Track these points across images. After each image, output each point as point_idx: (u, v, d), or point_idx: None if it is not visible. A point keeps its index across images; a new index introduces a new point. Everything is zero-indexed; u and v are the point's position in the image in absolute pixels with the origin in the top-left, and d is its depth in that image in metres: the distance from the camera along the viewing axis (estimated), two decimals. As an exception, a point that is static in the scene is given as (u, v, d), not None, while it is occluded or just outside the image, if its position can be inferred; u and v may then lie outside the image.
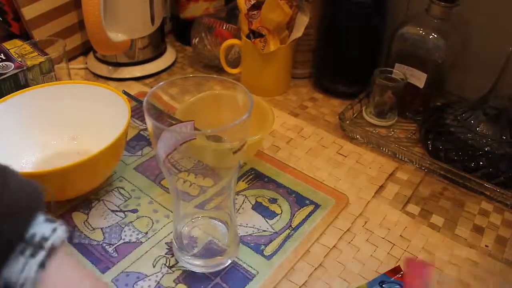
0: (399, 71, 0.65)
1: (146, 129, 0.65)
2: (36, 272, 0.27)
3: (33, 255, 0.27)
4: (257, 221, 0.52)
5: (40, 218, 0.29)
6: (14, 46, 0.68)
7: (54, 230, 0.29)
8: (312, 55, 0.77)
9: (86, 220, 0.51)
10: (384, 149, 0.63)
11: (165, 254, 0.48)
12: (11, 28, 0.76)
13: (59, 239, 0.29)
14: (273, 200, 0.55)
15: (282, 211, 0.53)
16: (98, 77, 0.78)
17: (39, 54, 0.65)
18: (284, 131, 0.66)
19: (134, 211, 0.53)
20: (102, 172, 0.52)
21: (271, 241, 0.50)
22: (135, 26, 0.75)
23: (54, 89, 0.57)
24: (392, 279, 0.45)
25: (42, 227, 0.28)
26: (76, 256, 0.31)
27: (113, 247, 0.48)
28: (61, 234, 0.29)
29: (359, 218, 0.53)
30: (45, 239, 0.28)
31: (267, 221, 0.52)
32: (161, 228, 0.51)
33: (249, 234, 0.50)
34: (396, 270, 0.46)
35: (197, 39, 0.77)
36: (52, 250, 0.28)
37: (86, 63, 0.80)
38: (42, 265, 0.27)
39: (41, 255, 0.27)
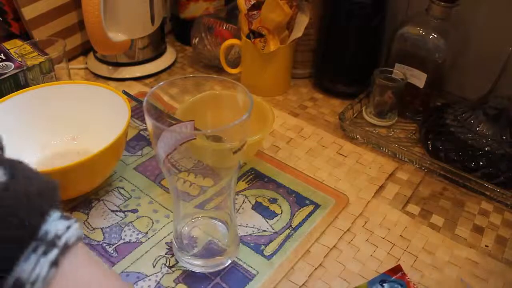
0: (399, 71, 0.65)
1: (146, 129, 0.65)
2: (48, 270, 0.26)
3: (45, 253, 0.27)
4: (257, 221, 0.52)
5: (55, 215, 0.28)
6: (14, 46, 0.69)
7: (68, 227, 0.28)
8: (312, 55, 0.77)
9: (86, 220, 0.51)
10: (384, 149, 0.63)
11: (165, 254, 0.48)
12: (11, 28, 0.76)
13: (74, 237, 0.28)
14: (273, 200, 0.55)
15: (282, 211, 0.53)
16: (98, 77, 0.78)
17: (39, 54, 0.65)
18: (284, 131, 0.66)
19: (134, 211, 0.53)
20: (102, 172, 0.52)
21: (271, 241, 0.50)
22: (135, 26, 0.75)
23: (54, 89, 0.57)
24: (393, 278, 0.45)
25: (56, 224, 0.28)
26: (94, 255, 0.30)
27: (113, 247, 0.48)
28: (75, 232, 0.28)
29: (359, 218, 0.53)
30: (58, 237, 0.27)
31: (267, 221, 0.52)
32: (161, 228, 0.51)
33: (249, 234, 0.50)
34: (396, 269, 0.46)
35: (197, 39, 0.77)
36: (65, 248, 0.28)
37: (86, 63, 0.80)
38: (54, 263, 0.27)
39: (54, 253, 0.27)
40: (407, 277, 0.45)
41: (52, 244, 0.27)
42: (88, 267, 0.29)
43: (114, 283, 0.30)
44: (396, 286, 0.44)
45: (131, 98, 0.66)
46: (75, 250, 0.29)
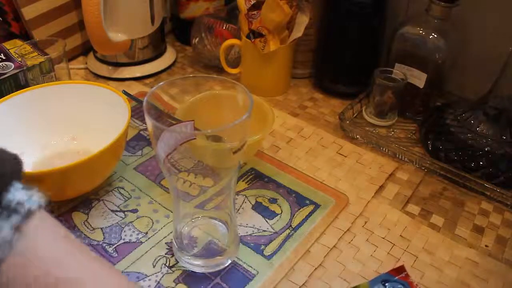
0: (399, 71, 0.65)
1: (146, 129, 0.65)
2: (12, 235, 0.28)
3: (8, 217, 0.28)
4: (257, 221, 0.52)
5: (17, 185, 0.30)
6: (14, 46, 0.68)
7: (31, 196, 0.30)
8: (312, 55, 0.77)
9: (86, 220, 0.51)
10: (384, 149, 0.63)
11: (165, 254, 0.48)
12: (11, 28, 0.76)
13: (35, 204, 0.29)
14: (273, 200, 0.55)
15: (282, 211, 0.53)
16: (98, 77, 0.78)
17: (39, 54, 0.65)
18: (284, 131, 0.66)
19: (134, 211, 0.53)
20: (102, 172, 0.52)
21: (271, 241, 0.50)
22: (135, 26, 0.75)
23: (54, 89, 0.57)
24: (396, 278, 0.45)
25: (19, 194, 0.29)
26: (62, 226, 0.32)
27: (113, 247, 0.48)
28: (37, 200, 0.30)
29: (359, 218, 0.53)
30: (21, 204, 0.29)
31: (267, 221, 0.52)
32: (161, 228, 0.51)
33: (249, 234, 0.50)
34: (399, 270, 0.46)
35: (197, 39, 0.77)
36: (28, 215, 0.29)
37: (86, 63, 0.80)
38: (17, 228, 0.28)
39: (16, 218, 0.28)
40: (410, 279, 0.45)
41: (14, 210, 0.28)
42: (52, 236, 0.30)
43: (72, 247, 0.31)
44: (398, 286, 0.44)
45: (131, 98, 0.66)
46: (39, 219, 0.30)
